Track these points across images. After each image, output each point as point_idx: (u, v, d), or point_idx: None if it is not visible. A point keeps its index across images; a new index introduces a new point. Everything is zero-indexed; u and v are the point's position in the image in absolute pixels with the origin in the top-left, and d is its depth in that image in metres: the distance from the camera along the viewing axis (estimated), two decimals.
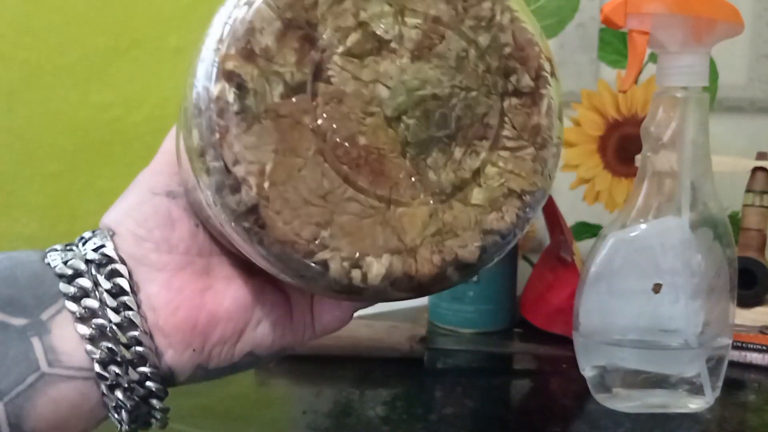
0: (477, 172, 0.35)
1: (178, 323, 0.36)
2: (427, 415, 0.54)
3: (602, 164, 0.84)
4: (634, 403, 0.54)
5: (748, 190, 0.71)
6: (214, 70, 0.32)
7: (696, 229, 0.52)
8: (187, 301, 0.36)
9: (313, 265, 0.32)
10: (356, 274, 0.33)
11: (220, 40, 0.32)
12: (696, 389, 0.53)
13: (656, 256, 0.52)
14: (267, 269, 0.34)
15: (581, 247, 0.81)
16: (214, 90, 0.31)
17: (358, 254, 0.33)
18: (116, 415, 0.35)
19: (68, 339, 0.34)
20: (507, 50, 0.35)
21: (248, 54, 0.32)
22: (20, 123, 0.78)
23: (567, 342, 0.57)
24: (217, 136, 0.31)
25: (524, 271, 0.81)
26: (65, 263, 0.35)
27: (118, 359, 0.34)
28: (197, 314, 0.36)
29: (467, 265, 0.35)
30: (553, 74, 0.36)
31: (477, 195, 0.35)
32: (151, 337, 0.35)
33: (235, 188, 0.31)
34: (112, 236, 0.36)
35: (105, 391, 0.34)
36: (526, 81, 0.36)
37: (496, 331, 0.74)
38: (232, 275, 0.38)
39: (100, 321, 0.34)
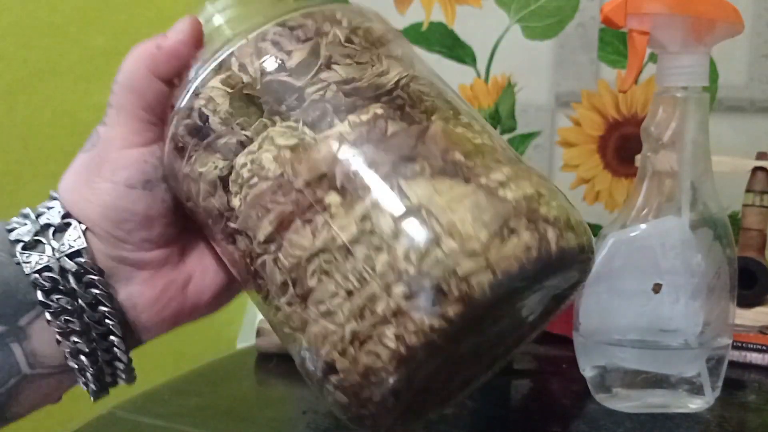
0: None
1: (165, 319, 0.38)
2: None
3: (602, 164, 0.84)
4: (634, 403, 0.54)
5: (748, 190, 0.71)
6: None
7: (696, 229, 0.52)
8: (173, 300, 0.38)
9: None
10: None
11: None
12: (696, 389, 0.53)
13: (656, 256, 0.52)
14: None
15: None
16: None
17: None
18: (87, 387, 0.37)
19: (47, 342, 0.35)
20: None
21: None
22: (20, 123, 0.78)
23: (567, 342, 0.57)
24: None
25: None
26: (40, 272, 0.35)
27: (90, 349, 0.35)
28: (181, 310, 0.38)
29: None
30: None
31: None
32: (131, 329, 0.37)
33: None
34: (84, 231, 0.36)
35: (78, 375, 0.36)
36: None
37: None
38: (207, 263, 0.39)
39: (76, 327, 0.35)
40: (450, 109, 0.37)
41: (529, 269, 0.32)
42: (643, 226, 0.53)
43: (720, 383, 0.54)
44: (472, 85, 0.87)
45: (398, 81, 0.36)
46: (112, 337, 0.36)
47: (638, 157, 0.54)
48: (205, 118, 0.36)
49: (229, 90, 0.35)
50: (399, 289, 0.31)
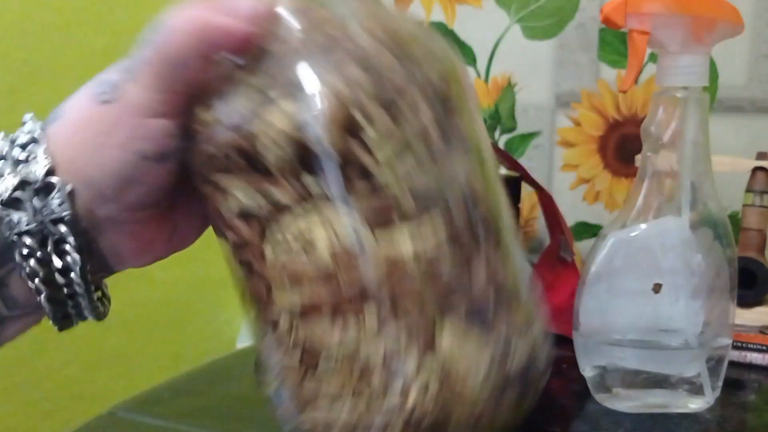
0: None
1: (145, 262, 0.37)
2: None
3: (602, 164, 0.84)
4: (634, 403, 0.54)
5: (748, 190, 0.71)
6: None
7: (696, 229, 0.52)
8: (156, 248, 0.36)
9: None
10: None
11: None
12: (696, 389, 0.53)
13: (656, 256, 0.52)
14: None
15: (581, 247, 0.82)
16: None
17: None
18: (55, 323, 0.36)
19: (24, 290, 0.34)
20: None
21: None
22: (21, 123, 0.78)
23: (567, 342, 0.57)
24: None
25: None
26: (20, 235, 0.32)
27: (65, 297, 0.34)
28: (163, 254, 0.37)
29: None
30: None
31: None
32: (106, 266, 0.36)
33: None
34: (71, 192, 0.33)
35: (51, 315, 0.35)
36: None
37: None
38: (193, 209, 0.37)
39: (51, 283, 0.33)
40: (500, 234, 0.35)
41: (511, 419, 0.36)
42: (643, 226, 0.53)
43: (720, 383, 0.54)
44: None
45: (468, 201, 0.33)
46: (77, 288, 0.34)
47: (638, 157, 0.54)
48: (262, 155, 0.32)
49: (296, 138, 0.31)
50: (398, 419, 0.32)
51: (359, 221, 0.31)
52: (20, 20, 0.78)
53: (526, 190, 0.77)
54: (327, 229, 0.31)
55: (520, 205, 0.77)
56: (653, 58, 0.60)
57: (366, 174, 0.31)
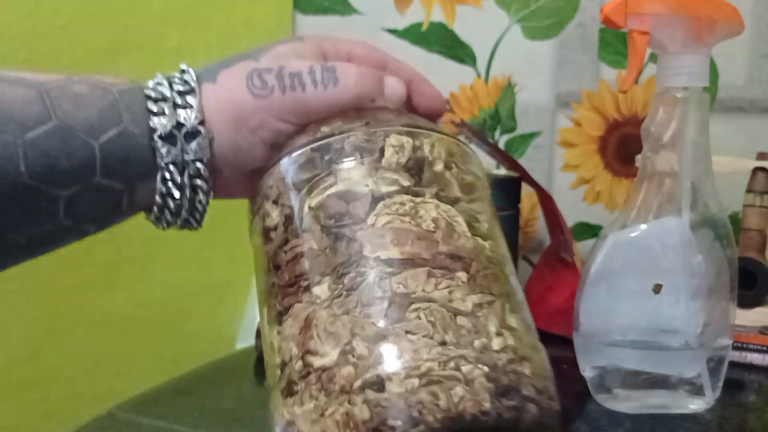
0: None
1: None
2: None
3: (603, 164, 0.84)
4: (635, 403, 0.54)
5: (748, 191, 0.71)
6: None
7: (696, 230, 0.52)
8: (228, 195, 0.46)
9: None
10: None
11: None
12: (696, 390, 0.53)
13: (656, 257, 0.53)
14: None
15: (581, 247, 0.82)
16: None
17: None
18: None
19: (148, 197, 0.41)
20: None
21: None
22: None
23: (567, 342, 0.57)
24: None
25: (524, 271, 0.81)
26: (167, 165, 0.40)
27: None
28: (228, 197, 0.46)
29: None
30: None
31: None
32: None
33: None
34: (210, 142, 0.41)
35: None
36: None
37: None
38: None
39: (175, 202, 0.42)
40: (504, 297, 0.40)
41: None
42: (643, 226, 0.53)
43: (720, 384, 0.54)
44: (472, 86, 0.87)
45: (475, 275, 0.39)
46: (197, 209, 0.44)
47: (638, 158, 0.54)
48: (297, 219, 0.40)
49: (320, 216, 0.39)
50: (488, 356, 0.36)
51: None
52: (20, 20, 0.77)
53: (526, 190, 0.77)
54: (434, 209, 0.39)
55: (520, 206, 0.77)
56: (653, 58, 0.60)
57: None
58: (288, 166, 0.41)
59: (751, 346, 0.64)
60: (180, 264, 0.83)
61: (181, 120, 0.40)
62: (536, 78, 0.85)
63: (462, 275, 0.37)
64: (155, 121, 0.39)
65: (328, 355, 0.35)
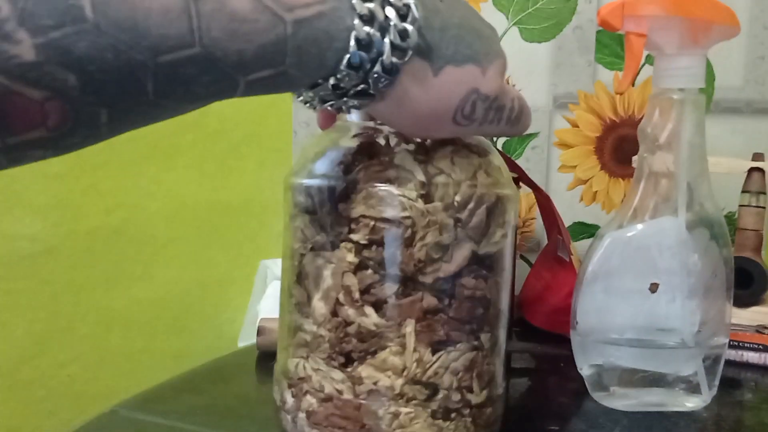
0: None
1: None
2: None
3: (599, 165, 0.84)
4: (632, 401, 0.54)
5: (744, 191, 0.71)
6: None
7: (692, 230, 0.53)
8: None
9: None
10: None
11: None
12: (693, 388, 0.54)
13: (653, 256, 0.53)
14: None
15: (579, 246, 0.82)
16: None
17: None
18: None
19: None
20: None
21: None
22: None
23: (565, 341, 0.57)
24: None
25: (522, 270, 0.81)
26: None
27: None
28: None
29: None
30: None
31: None
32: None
33: None
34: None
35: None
36: None
37: None
38: None
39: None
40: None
41: None
42: (639, 226, 0.53)
43: (716, 382, 0.54)
44: None
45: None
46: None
47: (635, 158, 0.55)
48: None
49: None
50: None
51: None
52: None
53: (524, 190, 0.78)
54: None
55: (518, 206, 0.77)
56: (650, 60, 0.60)
57: None
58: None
59: (747, 345, 0.65)
60: (182, 262, 0.83)
61: (370, 81, 0.33)
62: (534, 79, 0.85)
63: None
64: (339, 70, 0.33)
65: (479, 395, 0.43)
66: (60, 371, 0.75)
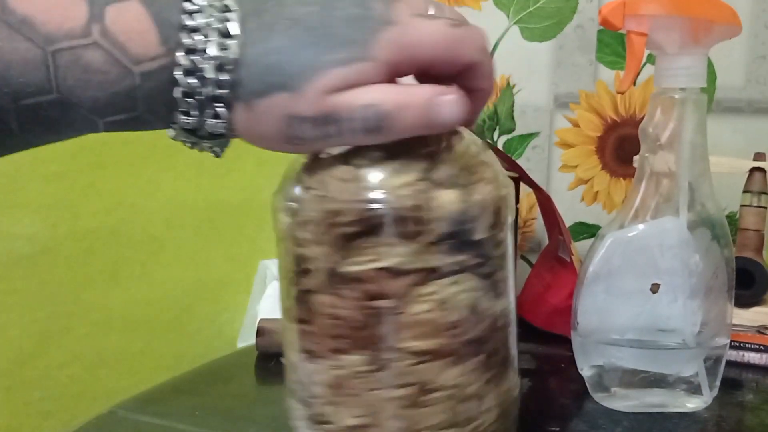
0: None
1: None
2: None
3: (600, 165, 0.84)
4: (632, 402, 0.54)
5: (745, 191, 0.71)
6: None
7: (694, 230, 0.53)
8: None
9: None
10: None
11: None
12: (694, 389, 0.54)
13: (654, 256, 0.53)
14: None
15: (579, 247, 0.82)
16: None
17: None
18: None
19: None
20: None
21: None
22: None
23: (565, 341, 0.57)
24: None
25: (523, 271, 0.81)
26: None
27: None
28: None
29: None
30: None
31: None
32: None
33: None
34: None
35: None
36: None
37: None
38: None
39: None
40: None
41: None
42: (641, 226, 0.53)
43: (718, 383, 0.54)
44: None
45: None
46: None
47: (636, 158, 0.55)
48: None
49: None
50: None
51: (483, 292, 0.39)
52: None
53: (524, 190, 0.78)
54: (465, 294, 0.38)
55: (519, 206, 0.77)
56: (651, 59, 0.60)
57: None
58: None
59: (749, 346, 0.64)
60: (181, 263, 0.83)
61: (207, 128, 0.35)
62: (535, 79, 0.85)
63: (481, 358, 0.39)
64: (178, 118, 0.35)
65: (344, 420, 0.39)
66: (59, 372, 0.75)
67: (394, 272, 0.37)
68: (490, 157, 0.41)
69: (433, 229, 0.37)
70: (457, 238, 0.37)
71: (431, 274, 0.37)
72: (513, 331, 0.43)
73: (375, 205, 0.36)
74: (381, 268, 0.37)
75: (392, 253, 0.37)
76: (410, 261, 0.37)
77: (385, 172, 0.37)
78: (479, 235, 0.38)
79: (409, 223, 0.36)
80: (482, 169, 0.39)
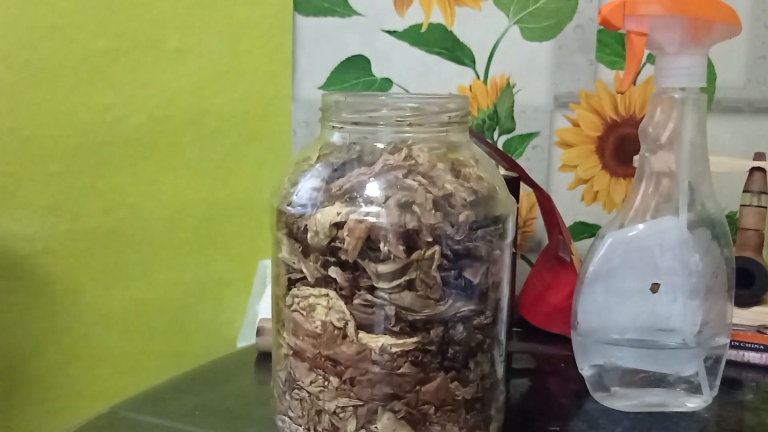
0: None
1: None
2: None
3: (600, 164, 0.84)
4: (632, 402, 0.54)
5: (745, 191, 0.71)
6: None
7: (694, 229, 0.53)
8: None
9: None
10: None
11: None
12: (694, 388, 0.54)
13: (654, 256, 0.53)
14: None
15: (579, 246, 0.82)
16: None
17: None
18: None
19: None
20: None
21: None
22: (22, 123, 0.78)
23: (565, 341, 0.57)
24: None
25: (523, 270, 0.81)
26: None
27: None
28: None
29: None
30: None
31: None
32: None
33: None
34: None
35: None
36: None
37: None
38: None
39: None
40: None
41: None
42: (641, 226, 0.53)
43: (718, 382, 0.54)
44: (471, 86, 0.87)
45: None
46: None
47: (636, 158, 0.55)
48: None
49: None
50: None
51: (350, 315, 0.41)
52: (21, 21, 0.78)
53: (524, 190, 0.78)
54: (325, 310, 0.42)
55: (519, 206, 0.77)
56: (651, 59, 0.60)
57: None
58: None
59: (749, 345, 0.64)
60: (181, 263, 0.83)
61: None
62: (535, 79, 0.85)
63: (334, 380, 0.42)
64: None
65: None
66: (58, 371, 0.75)
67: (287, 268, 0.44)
68: None
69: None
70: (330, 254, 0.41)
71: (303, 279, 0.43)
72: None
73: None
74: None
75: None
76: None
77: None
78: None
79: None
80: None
